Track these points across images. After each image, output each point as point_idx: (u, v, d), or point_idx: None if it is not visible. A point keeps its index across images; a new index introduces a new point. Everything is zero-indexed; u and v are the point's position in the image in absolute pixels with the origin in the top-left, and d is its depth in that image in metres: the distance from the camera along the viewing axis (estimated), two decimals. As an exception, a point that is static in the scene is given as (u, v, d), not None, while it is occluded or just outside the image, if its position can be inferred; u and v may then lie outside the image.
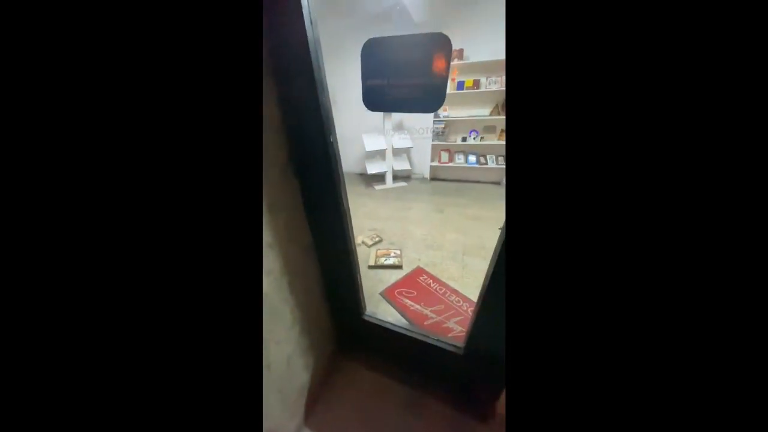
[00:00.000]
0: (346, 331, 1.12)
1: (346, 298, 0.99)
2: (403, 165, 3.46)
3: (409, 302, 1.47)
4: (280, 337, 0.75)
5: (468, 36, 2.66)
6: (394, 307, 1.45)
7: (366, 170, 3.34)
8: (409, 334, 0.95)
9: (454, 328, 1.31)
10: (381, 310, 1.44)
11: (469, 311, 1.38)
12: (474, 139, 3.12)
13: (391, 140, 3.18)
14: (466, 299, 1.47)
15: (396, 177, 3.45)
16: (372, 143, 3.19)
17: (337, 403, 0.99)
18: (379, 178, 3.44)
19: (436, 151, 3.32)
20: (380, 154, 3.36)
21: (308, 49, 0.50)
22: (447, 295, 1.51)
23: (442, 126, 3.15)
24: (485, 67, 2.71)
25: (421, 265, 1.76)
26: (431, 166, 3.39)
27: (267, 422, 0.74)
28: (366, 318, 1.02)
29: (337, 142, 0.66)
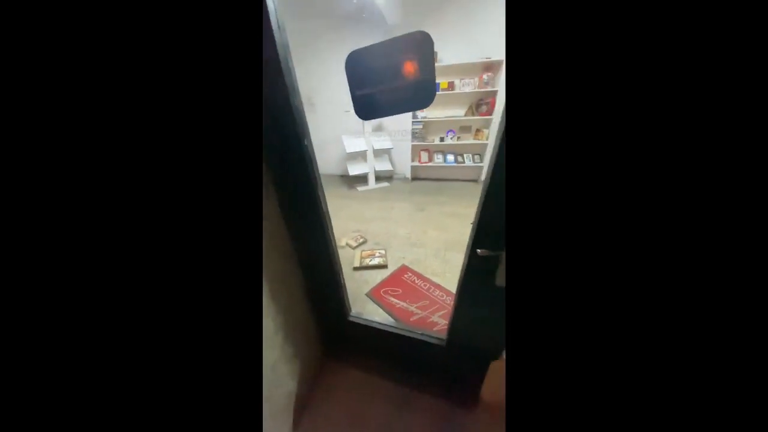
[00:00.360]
0: (332, 334, 1.12)
1: (330, 300, 0.99)
2: (384, 166, 3.49)
3: (395, 300, 1.50)
4: (264, 344, 0.73)
5: (440, 39, 2.75)
6: (380, 306, 1.47)
7: (348, 171, 3.33)
8: (394, 331, 0.97)
9: (438, 321, 1.35)
10: (368, 311, 1.45)
11: (451, 304, 1.43)
12: (451, 138, 3.22)
13: (372, 142, 3.20)
14: (448, 293, 1.52)
15: (378, 177, 3.47)
16: (352, 145, 3.19)
17: (327, 407, 0.98)
18: (362, 179, 3.44)
19: (416, 152, 3.39)
20: (361, 156, 3.36)
21: (277, 53, 0.50)
22: (431, 290, 1.56)
23: (420, 127, 3.22)
24: (458, 70, 2.82)
25: (406, 263, 1.80)
26: (412, 166, 3.45)
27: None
28: (351, 319, 1.03)
29: (312, 145, 0.66)
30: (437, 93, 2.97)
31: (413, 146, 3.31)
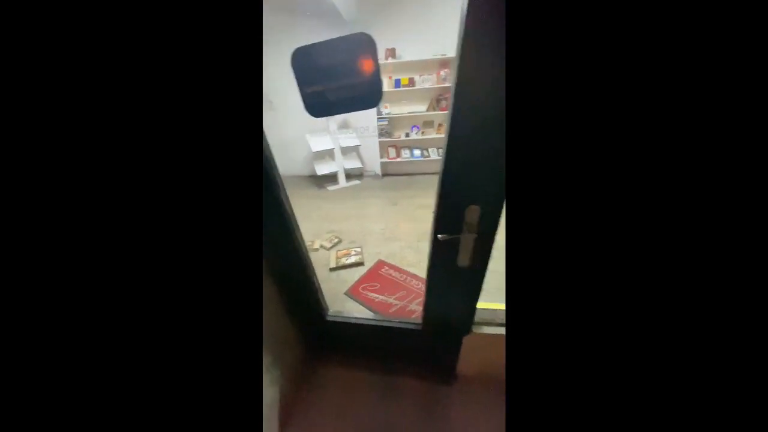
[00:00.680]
0: (312, 336, 1.11)
1: (306, 303, 0.98)
2: (353, 163, 3.46)
3: (374, 295, 1.52)
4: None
5: (399, 36, 2.80)
6: (360, 303, 1.48)
7: (315, 171, 3.24)
8: (371, 323, 0.99)
9: (416, 309, 1.41)
10: (348, 309, 1.45)
11: (428, 292, 1.51)
12: (416, 134, 3.32)
13: (338, 139, 3.15)
14: (423, 281, 1.60)
15: (349, 176, 3.44)
16: (318, 143, 3.11)
17: (313, 408, 0.98)
18: (331, 178, 3.38)
19: (384, 148, 3.42)
20: (329, 154, 3.29)
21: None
22: (407, 280, 1.62)
23: (386, 123, 3.26)
24: (418, 66, 2.90)
25: (382, 258, 1.83)
26: (382, 163, 3.49)
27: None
28: (330, 318, 1.03)
29: (269, 146, 0.64)
30: (398, 89, 3.04)
31: (381, 142, 3.34)
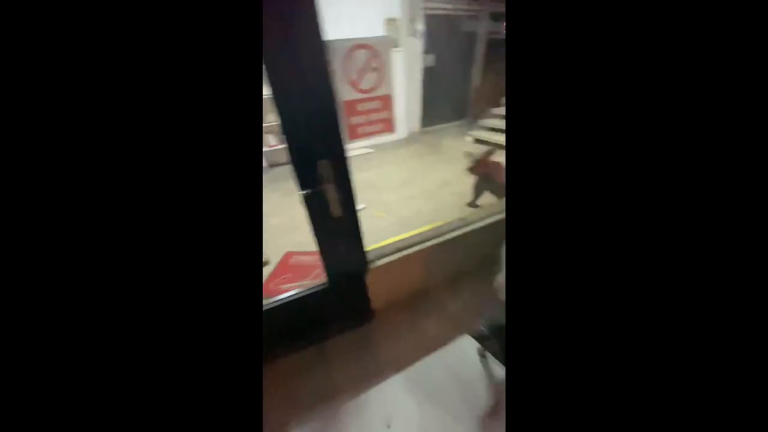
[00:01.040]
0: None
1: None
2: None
3: (288, 286, 1.49)
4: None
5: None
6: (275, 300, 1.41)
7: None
8: (278, 304, 1.00)
9: (332, 279, 1.50)
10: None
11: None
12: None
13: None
14: (335, 254, 1.69)
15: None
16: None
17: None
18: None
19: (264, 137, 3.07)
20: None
21: None
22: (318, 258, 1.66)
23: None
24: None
25: (290, 249, 1.77)
26: (266, 152, 3.15)
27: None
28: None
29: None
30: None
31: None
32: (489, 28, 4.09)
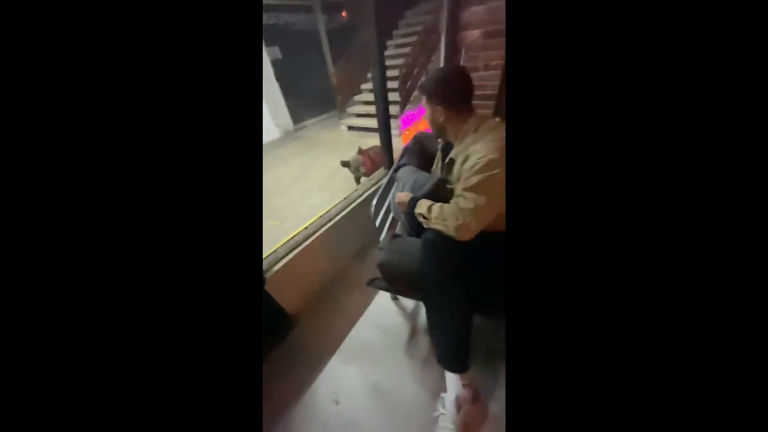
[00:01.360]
0: None
1: None
2: None
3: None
4: None
5: None
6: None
7: None
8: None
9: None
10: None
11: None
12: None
13: None
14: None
15: None
16: None
17: None
18: None
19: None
20: None
21: None
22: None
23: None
24: None
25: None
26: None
27: None
28: None
29: None
30: None
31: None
32: (324, 21, 4.22)
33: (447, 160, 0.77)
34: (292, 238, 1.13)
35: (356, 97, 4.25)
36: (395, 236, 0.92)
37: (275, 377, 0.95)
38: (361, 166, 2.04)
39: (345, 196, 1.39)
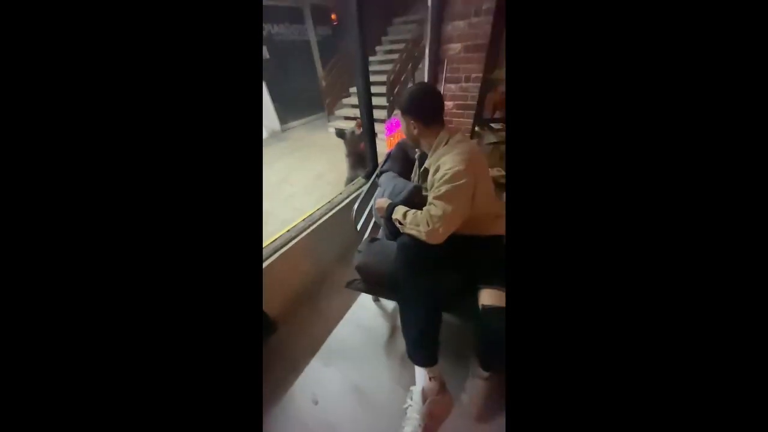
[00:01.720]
0: None
1: None
2: None
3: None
4: None
5: None
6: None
7: None
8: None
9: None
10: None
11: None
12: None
13: None
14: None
15: None
16: None
17: None
18: None
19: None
20: None
21: None
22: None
23: None
24: None
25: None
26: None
27: None
28: None
29: None
30: None
31: None
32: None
33: (422, 169, 0.82)
34: (273, 241, 1.13)
35: (344, 100, 4.27)
36: (373, 240, 0.96)
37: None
38: (356, 128, 2.07)
39: (330, 197, 1.41)
